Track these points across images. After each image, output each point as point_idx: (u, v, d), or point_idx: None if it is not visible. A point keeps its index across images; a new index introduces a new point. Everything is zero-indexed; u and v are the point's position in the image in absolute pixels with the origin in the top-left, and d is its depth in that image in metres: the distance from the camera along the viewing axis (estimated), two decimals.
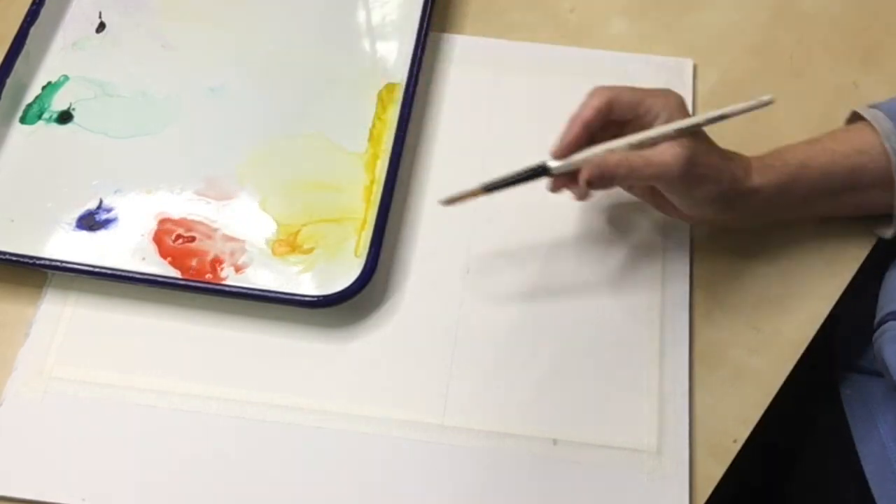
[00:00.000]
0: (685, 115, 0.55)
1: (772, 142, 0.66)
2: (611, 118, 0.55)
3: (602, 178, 0.53)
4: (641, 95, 0.55)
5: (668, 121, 0.54)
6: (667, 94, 0.55)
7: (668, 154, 0.53)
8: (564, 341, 0.58)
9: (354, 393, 0.57)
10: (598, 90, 0.55)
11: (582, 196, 0.57)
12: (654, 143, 0.54)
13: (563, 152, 0.55)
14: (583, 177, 0.54)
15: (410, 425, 0.56)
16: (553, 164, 0.55)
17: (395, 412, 0.56)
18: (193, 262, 0.60)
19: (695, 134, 0.54)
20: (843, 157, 0.57)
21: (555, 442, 0.56)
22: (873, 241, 0.62)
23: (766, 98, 0.54)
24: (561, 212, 0.63)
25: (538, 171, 0.55)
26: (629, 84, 0.55)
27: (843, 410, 0.65)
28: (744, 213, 0.57)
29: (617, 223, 0.63)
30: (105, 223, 0.62)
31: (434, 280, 0.61)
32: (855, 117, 0.60)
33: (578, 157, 0.54)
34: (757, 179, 0.56)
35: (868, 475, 0.61)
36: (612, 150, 0.54)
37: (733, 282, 0.61)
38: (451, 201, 0.56)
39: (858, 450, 0.62)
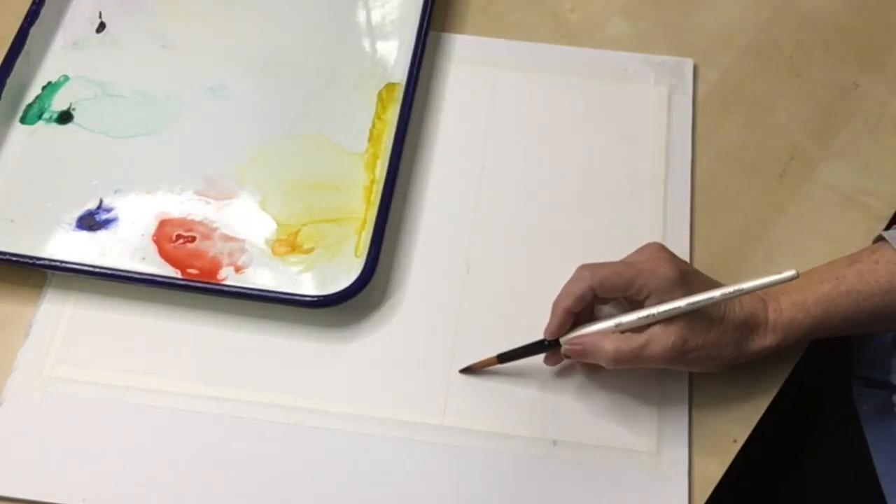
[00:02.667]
0: (678, 288, 0.52)
1: (771, 142, 0.66)
2: (600, 296, 0.53)
3: (586, 358, 0.54)
4: (630, 277, 0.52)
5: (660, 299, 0.52)
6: (657, 265, 0.53)
7: (658, 346, 0.51)
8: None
9: (354, 393, 0.57)
10: (582, 272, 0.53)
11: (557, 363, 0.57)
12: (644, 324, 0.52)
13: (554, 336, 0.55)
14: (565, 353, 0.55)
15: (410, 425, 0.56)
16: (562, 339, 0.55)
17: (395, 412, 0.56)
18: (193, 262, 0.60)
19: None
20: (867, 297, 0.53)
21: (554, 443, 0.56)
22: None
23: (788, 273, 0.49)
24: (560, 211, 0.63)
25: (549, 345, 0.55)
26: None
27: (857, 416, 0.65)
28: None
29: (616, 225, 0.63)
30: (105, 223, 0.62)
31: (434, 280, 0.61)
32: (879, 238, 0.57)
33: (573, 335, 0.54)
34: (770, 338, 0.54)
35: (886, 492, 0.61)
36: (604, 332, 0.53)
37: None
38: (468, 370, 0.57)
39: (874, 460, 0.62)
